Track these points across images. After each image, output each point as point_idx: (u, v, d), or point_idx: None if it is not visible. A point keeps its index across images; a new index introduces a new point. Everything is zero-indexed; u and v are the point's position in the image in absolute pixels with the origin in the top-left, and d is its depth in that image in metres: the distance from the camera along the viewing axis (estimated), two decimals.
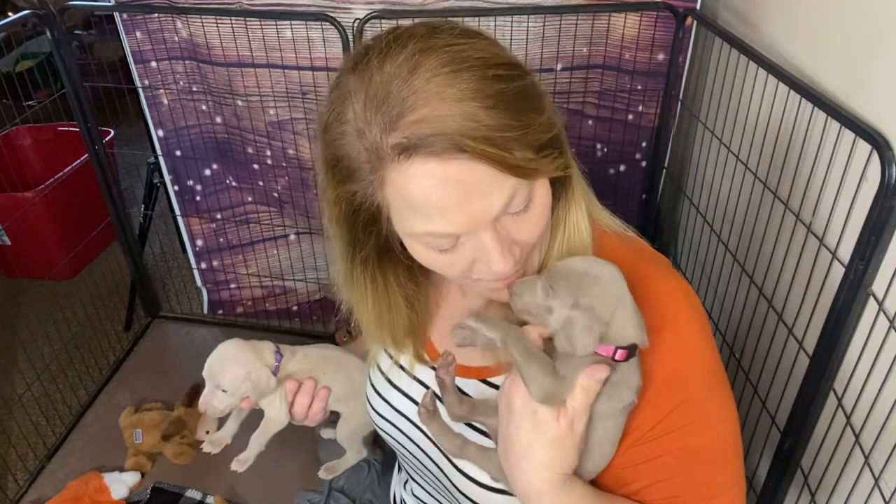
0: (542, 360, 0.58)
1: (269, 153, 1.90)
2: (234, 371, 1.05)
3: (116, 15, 1.74)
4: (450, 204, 0.56)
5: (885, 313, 0.94)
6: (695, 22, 1.56)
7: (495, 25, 1.61)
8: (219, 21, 1.68)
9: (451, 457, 0.75)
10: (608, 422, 0.61)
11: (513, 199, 0.57)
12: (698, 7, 1.56)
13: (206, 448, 1.10)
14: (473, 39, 0.57)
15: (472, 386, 0.76)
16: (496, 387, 0.74)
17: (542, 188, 0.61)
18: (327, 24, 1.58)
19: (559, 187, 0.66)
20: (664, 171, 1.77)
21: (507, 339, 0.58)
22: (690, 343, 0.66)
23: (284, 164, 1.90)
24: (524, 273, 0.65)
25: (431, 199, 0.56)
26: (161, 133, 1.92)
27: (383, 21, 1.59)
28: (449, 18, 0.61)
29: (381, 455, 1.69)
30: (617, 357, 0.57)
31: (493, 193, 0.56)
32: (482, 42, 0.58)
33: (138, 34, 1.77)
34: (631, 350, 0.58)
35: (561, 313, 0.57)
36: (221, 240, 2.10)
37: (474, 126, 0.53)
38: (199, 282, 2.20)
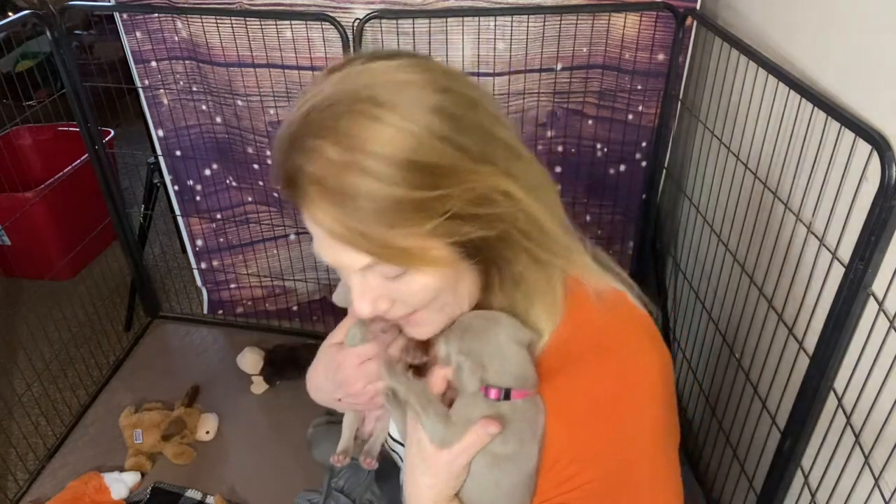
0: (437, 410, 0.65)
1: (269, 153, 1.90)
2: None
3: (116, 15, 1.74)
4: (318, 240, 0.59)
5: (885, 313, 0.94)
6: (695, 22, 1.56)
7: (495, 25, 1.61)
8: (219, 21, 1.68)
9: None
10: (500, 469, 0.64)
11: (374, 267, 0.59)
12: (698, 7, 1.56)
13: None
14: (406, 120, 0.54)
15: None
16: None
17: (422, 272, 0.60)
18: (327, 24, 1.58)
19: (490, 260, 0.63)
20: (664, 171, 1.77)
21: (408, 393, 0.66)
22: (625, 425, 0.63)
23: None
24: (432, 325, 0.67)
25: (310, 227, 0.60)
26: (161, 133, 1.92)
27: (383, 21, 1.59)
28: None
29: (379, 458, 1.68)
30: (491, 396, 0.63)
31: (346, 257, 0.58)
32: (409, 129, 0.54)
33: (138, 34, 1.77)
34: (505, 393, 0.64)
35: (453, 360, 0.65)
36: (221, 240, 2.10)
37: (336, 218, 0.55)
38: (199, 282, 2.20)
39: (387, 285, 0.61)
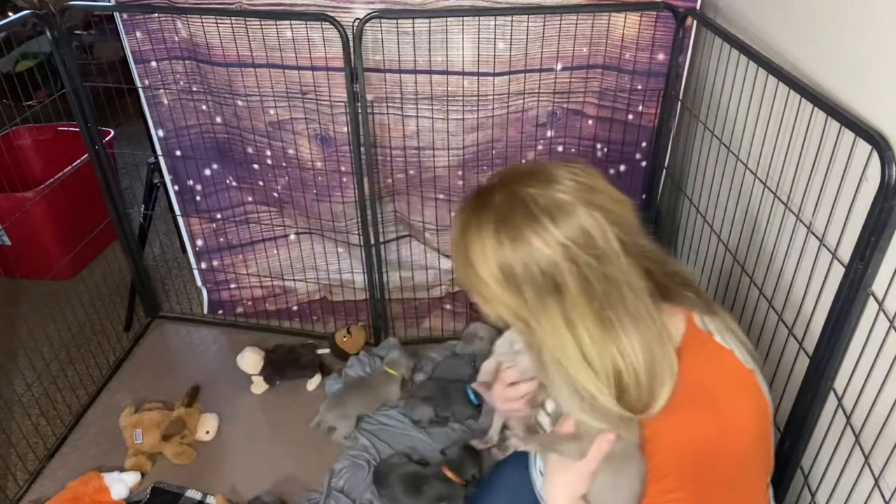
0: (566, 440, 0.88)
1: (269, 153, 1.90)
2: None
3: (116, 15, 1.74)
4: None
5: (885, 313, 0.94)
6: (695, 22, 1.56)
7: (495, 25, 1.61)
8: (219, 21, 1.68)
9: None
10: (619, 474, 0.85)
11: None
12: (698, 7, 1.56)
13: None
14: (509, 254, 0.78)
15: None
16: None
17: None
18: (327, 24, 1.58)
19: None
20: (664, 171, 1.77)
21: (540, 449, 0.99)
22: (717, 454, 0.80)
23: (284, 164, 1.90)
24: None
25: None
26: (161, 133, 1.92)
27: (383, 21, 1.59)
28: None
29: (381, 456, 1.69)
30: None
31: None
32: (500, 259, 0.78)
33: (138, 34, 1.77)
34: None
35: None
36: (221, 240, 2.10)
37: (454, 255, 0.85)
38: (199, 282, 2.20)
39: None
